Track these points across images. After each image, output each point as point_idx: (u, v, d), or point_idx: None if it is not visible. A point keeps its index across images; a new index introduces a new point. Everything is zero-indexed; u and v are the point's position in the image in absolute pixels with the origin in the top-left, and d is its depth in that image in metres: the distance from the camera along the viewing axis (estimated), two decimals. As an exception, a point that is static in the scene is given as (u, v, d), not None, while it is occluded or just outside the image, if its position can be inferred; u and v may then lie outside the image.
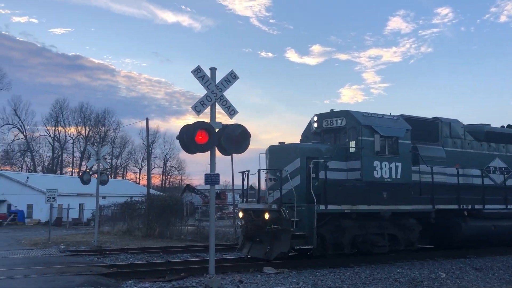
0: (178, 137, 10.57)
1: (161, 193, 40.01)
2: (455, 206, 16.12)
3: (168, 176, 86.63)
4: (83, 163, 74.04)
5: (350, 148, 14.47)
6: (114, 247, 20.02)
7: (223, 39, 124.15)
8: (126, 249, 18.84)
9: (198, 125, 10.14)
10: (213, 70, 10.69)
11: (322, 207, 13.19)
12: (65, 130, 76.95)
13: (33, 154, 74.47)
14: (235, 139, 10.43)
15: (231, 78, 10.74)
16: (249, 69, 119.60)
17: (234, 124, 10.76)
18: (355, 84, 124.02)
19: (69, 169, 78.51)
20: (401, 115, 15.95)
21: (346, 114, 14.81)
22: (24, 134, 73.23)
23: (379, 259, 14.68)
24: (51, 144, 76.37)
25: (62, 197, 37.92)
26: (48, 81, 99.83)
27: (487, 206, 16.81)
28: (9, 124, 71.63)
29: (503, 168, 18.09)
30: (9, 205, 47.24)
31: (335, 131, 15.14)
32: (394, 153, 14.64)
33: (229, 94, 10.78)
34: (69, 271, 12.16)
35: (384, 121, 14.87)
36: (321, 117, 15.46)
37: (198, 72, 10.45)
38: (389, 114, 15.53)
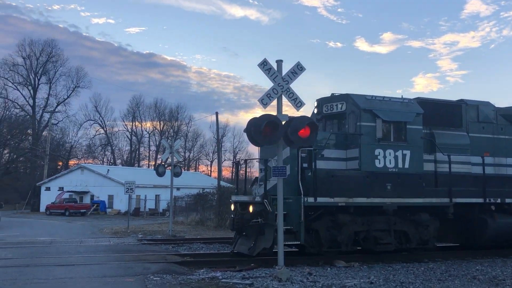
0: (245, 130, 10.70)
1: (231, 185, 40.78)
2: (480, 200, 14.27)
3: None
4: (158, 156, 77.45)
5: (348, 135, 13.25)
6: (187, 237, 20.76)
7: (290, 31, 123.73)
8: (198, 238, 19.48)
9: (265, 118, 10.17)
10: (279, 62, 10.65)
11: (311, 199, 12.13)
12: (141, 125, 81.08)
13: (113, 148, 79.21)
14: (301, 132, 10.33)
15: (297, 70, 10.65)
16: (318, 60, 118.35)
17: (300, 116, 10.71)
18: (429, 72, 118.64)
19: (146, 162, 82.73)
20: (417, 98, 14.54)
21: (346, 98, 13.53)
22: (105, 129, 78.08)
23: (456, 254, 13.95)
24: (129, 139, 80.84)
25: (140, 188, 39.88)
26: (125, 79, 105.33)
27: None
28: (91, 120, 76.87)
29: None
30: (92, 196, 50.49)
31: (337, 116, 13.83)
32: (401, 140, 13.21)
33: (297, 86, 10.73)
34: (146, 258, 12.81)
35: (389, 105, 13.47)
36: (322, 101, 14.12)
37: (264, 65, 10.45)
38: (400, 97, 14.18)
